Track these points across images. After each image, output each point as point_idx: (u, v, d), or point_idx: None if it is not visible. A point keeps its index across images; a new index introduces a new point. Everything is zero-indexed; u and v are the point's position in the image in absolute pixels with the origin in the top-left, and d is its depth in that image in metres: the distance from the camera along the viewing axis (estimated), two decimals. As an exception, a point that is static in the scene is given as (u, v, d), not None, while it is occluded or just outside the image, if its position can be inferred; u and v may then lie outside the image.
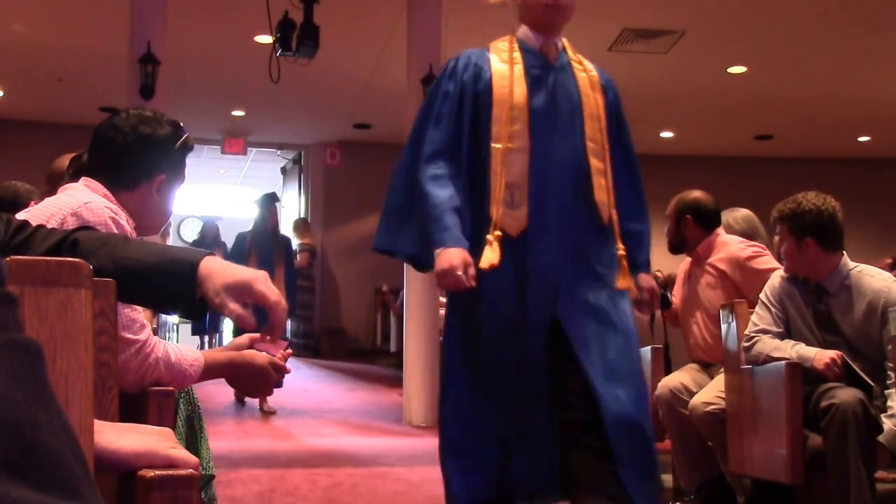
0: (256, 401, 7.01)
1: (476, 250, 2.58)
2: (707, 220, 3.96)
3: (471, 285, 2.51)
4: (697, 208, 3.96)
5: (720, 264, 3.87)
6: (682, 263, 4.19)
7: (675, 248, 4.06)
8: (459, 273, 2.48)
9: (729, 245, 3.91)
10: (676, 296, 4.13)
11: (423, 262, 2.76)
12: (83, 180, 2.06)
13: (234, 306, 1.29)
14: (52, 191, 2.71)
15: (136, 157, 2.06)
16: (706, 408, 3.55)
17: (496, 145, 2.64)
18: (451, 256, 2.50)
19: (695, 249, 3.97)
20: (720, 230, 4.00)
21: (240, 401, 7.24)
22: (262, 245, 7.25)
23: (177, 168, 2.13)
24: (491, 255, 2.57)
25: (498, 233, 2.59)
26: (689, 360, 4.00)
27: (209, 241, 11.29)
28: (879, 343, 3.15)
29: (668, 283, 4.33)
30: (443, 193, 2.59)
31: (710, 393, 3.60)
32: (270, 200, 7.54)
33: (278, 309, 1.35)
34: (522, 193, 2.62)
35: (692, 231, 3.95)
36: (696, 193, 4.04)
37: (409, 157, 2.74)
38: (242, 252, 7.28)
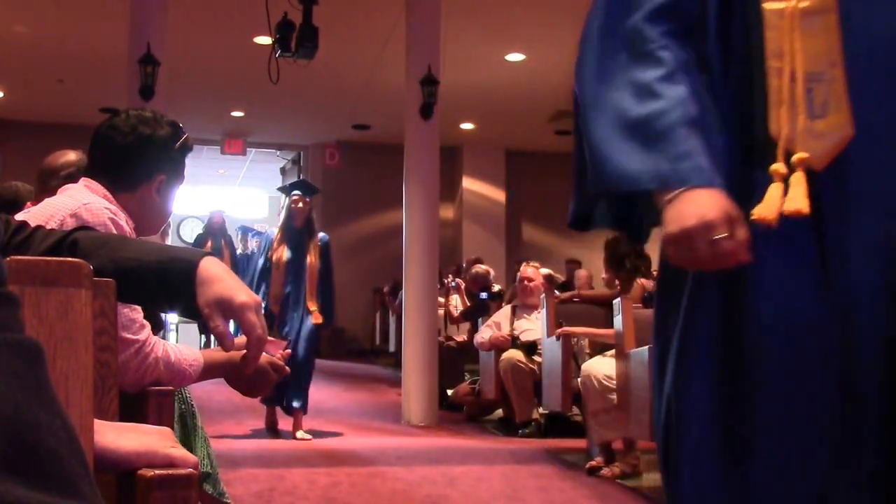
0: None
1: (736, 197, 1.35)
2: None
3: (745, 259, 1.32)
4: None
5: None
6: None
7: None
8: (723, 234, 1.30)
9: None
10: None
11: (637, 225, 1.55)
12: (83, 181, 2.06)
13: (219, 322, 1.27)
14: (43, 189, 2.71)
15: (135, 157, 2.05)
16: None
17: (772, 5, 1.41)
18: (702, 204, 1.32)
19: None
20: None
21: (272, 429, 6.17)
22: (290, 242, 6.04)
23: (176, 168, 2.13)
24: (796, 198, 1.34)
25: (802, 154, 1.37)
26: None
27: (215, 232, 10.73)
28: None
29: None
30: (673, 91, 1.39)
31: None
32: (289, 190, 6.22)
33: (258, 345, 1.31)
34: (833, 92, 1.38)
35: None
36: None
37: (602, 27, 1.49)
38: (269, 246, 6.10)
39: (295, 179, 13.92)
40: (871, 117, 1.38)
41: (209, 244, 10.52)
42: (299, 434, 5.88)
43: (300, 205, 6.08)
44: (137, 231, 2.04)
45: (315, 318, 5.99)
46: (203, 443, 2.33)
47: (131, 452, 1.09)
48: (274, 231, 6.26)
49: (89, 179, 2.06)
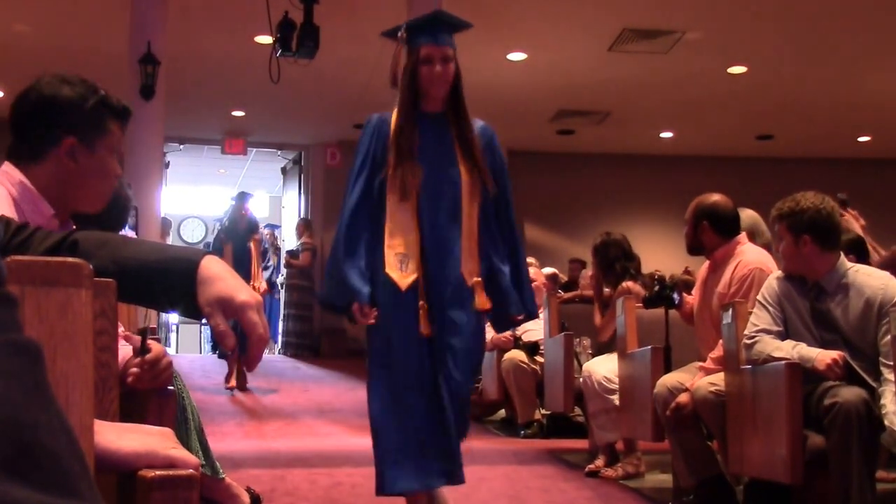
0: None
1: None
2: (724, 226, 3.85)
3: None
4: (714, 214, 3.86)
5: (736, 272, 3.76)
6: (703, 265, 4.10)
7: (693, 250, 4.00)
8: None
9: (746, 255, 3.80)
10: (695, 297, 4.08)
11: None
12: (5, 165, 1.88)
13: (220, 320, 1.27)
14: None
15: (34, 123, 1.86)
16: (710, 388, 3.52)
17: None
18: None
19: (712, 254, 3.89)
20: (741, 237, 3.88)
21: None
22: (422, 142, 3.28)
23: (94, 128, 1.87)
24: None
25: None
26: (694, 361, 3.96)
27: (242, 232, 8.95)
28: (876, 340, 3.16)
29: (676, 283, 4.29)
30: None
31: (717, 378, 3.57)
32: (413, 34, 3.24)
33: (258, 344, 1.30)
34: None
35: (709, 237, 3.86)
36: (715, 198, 3.92)
37: None
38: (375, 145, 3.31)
39: (295, 179, 13.96)
40: None
41: (229, 248, 8.51)
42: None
43: (438, 67, 3.22)
44: (75, 205, 1.86)
45: (481, 302, 3.17)
46: (196, 438, 2.32)
47: (132, 453, 1.08)
48: (386, 118, 3.37)
49: (7, 163, 1.87)
